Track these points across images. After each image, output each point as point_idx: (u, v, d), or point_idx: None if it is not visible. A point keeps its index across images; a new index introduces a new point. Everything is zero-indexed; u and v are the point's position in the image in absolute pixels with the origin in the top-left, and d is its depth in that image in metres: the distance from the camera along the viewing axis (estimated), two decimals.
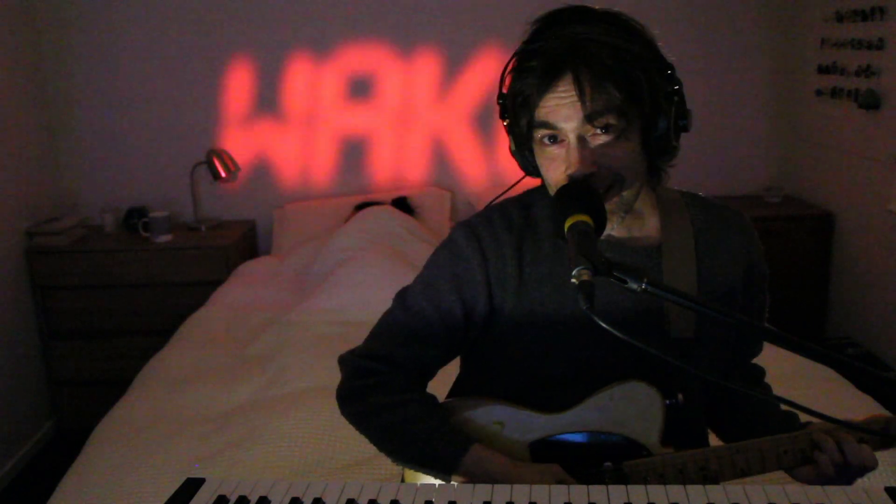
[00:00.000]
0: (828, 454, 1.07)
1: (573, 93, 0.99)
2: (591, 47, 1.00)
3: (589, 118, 1.00)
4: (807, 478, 1.10)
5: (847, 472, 1.08)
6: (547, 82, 1.01)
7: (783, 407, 1.28)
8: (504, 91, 1.10)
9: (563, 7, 1.06)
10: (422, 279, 1.18)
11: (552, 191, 1.08)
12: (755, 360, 1.33)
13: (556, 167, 1.04)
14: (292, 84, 3.48)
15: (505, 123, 1.12)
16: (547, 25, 1.06)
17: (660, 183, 1.16)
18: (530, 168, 1.13)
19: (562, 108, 1.00)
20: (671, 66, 1.06)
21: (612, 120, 1.00)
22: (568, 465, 1.08)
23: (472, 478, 1.06)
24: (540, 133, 1.04)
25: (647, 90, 1.02)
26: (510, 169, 3.54)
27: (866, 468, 1.08)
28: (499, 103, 1.12)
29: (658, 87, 1.03)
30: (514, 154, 1.14)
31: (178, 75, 3.44)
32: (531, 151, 1.10)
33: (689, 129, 1.06)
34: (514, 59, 1.07)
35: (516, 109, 1.06)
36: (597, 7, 1.06)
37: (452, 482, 1.09)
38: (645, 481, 1.06)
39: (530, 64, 1.03)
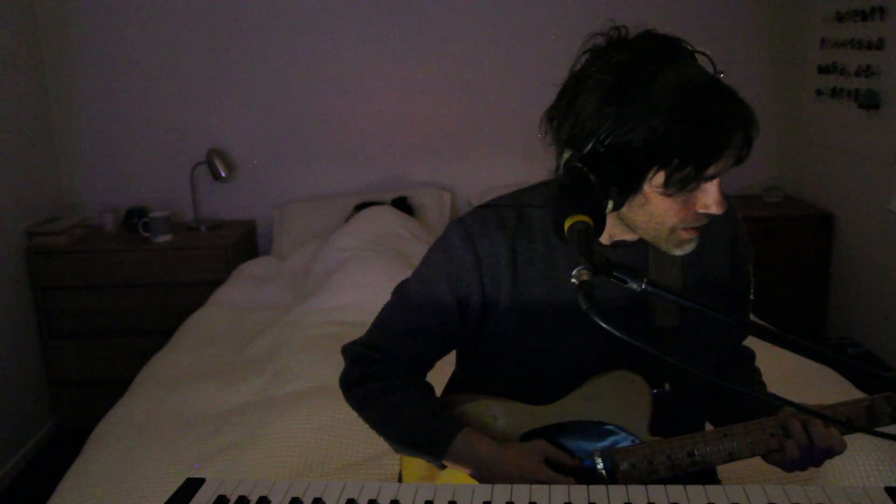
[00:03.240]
0: (794, 437, 1.08)
1: (738, 147, 0.99)
2: (746, 106, 0.99)
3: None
4: (776, 461, 1.11)
5: (813, 456, 1.09)
6: (726, 143, 0.97)
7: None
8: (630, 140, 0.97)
9: (663, 42, 1.01)
10: (418, 275, 1.21)
11: (661, 227, 1.04)
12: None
13: (687, 210, 1.02)
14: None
15: (619, 175, 0.98)
16: (659, 65, 0.98)
17: None
18: (623, 202, 1.02)
19: (726, 161, 0.99)
20: None
21: None
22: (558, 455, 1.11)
23: (462, 460, 1.10)
24: (694, 184, 1.00)
25: None
26: (511, 170, 3.55)
27: (833, 451, 1.08)
28: (614, 148, 0.98)
29: None
30: (618, 203, 1.01)
31: (179, 75, 3.44)
32: (637, 188, 1.01)
33: None
34: (686, 126, 0.95)
35: (686, 175, 0.98)
36: (688, 45, 1.02)
37: (444, 466, 1.12)
38: (633, 468, 1.07)
39: (704, 125, 0.96)
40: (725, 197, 1.04)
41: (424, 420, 1.14)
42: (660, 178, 0.99)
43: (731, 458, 1.09)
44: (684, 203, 1.02)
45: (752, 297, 1.28)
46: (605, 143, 0.97)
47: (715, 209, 1.01)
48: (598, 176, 0.96)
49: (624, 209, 1.04)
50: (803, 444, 1.07)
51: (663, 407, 1.13)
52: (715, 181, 1.01)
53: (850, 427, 1.10)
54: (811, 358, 0.89)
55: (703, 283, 1.18)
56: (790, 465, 1.09)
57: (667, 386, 1.12)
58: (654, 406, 1.11)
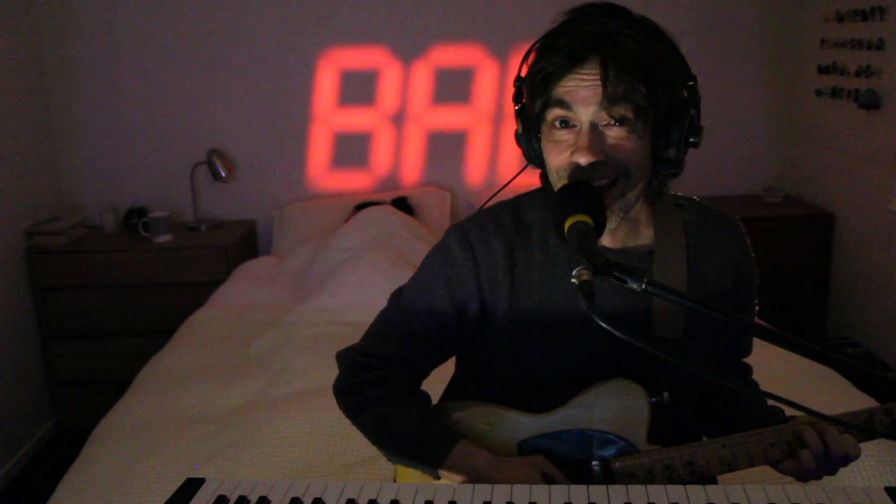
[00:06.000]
0: (810, 446, 1.06)
1: (596, 77, 0.99)
2: (622, 38, 1.00)
3: (607, 105, 0.99)
4: (790, 471, 1.10)
5: (829, 464, 1.08)
6: (572, 62, 1.00)
7: (769, 402, 1.27)
8: (523, 74, 1.09)
9: (597, 2, 1.06)
10: (415, 281, 1.20)
11: (553, 177, 1.07)
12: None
13: (562, 151, 1.04)
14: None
15: (517, 107, 1.12)
16: (579, 15, 1.06)
17: (659, 198, 1.16)
18: (533, 156, 1.12)
19: (581, 90, 1.00)
20: (694, 79, 1.06)
21: (628, 112, 1.00)
22: (556, 464, 1.09)
23: (458, 472, 1.07)
24: (553, 114, 1.03)
25: (668, 94, 1.02)
26: (511, 170, 3.55)
27: (849, 458, 1.07)
28: (515, 85, 1.12)
29: (678, 95, 1.04)
30: (518, 139, 1.13)
31: (179, 75, 3.44)
32: (538, 138, 1.09)
33: (699, 145, 1.06)
34: (540, 40, 1.06)
35: (534, 88, 1.05)
36: (632, 11, 1.06)
37: (439, 476, 1.10)
38: (632, 477, 1.07)
39: (558, 42, 1.02)
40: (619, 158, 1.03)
41: (420, 431, 1.11)
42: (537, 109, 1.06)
43: (730, 468, 1.08)
44: (558, 143, 1.04)
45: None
46: (516, 83, 1.12)
47: (577, 155, 1.01)
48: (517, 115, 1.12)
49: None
50: (819, 452, 1.06)
51: (661, 416, 1.12)
52: (586, 126, 1.01)
53: (868, 433, 1.09)
54: (811, 358, 0.89)
55: (706, 293, 1.16)
56: (806, 475, 1.08)
57: (665, 395, 1.10)
58: (653, 415, 1.10)
